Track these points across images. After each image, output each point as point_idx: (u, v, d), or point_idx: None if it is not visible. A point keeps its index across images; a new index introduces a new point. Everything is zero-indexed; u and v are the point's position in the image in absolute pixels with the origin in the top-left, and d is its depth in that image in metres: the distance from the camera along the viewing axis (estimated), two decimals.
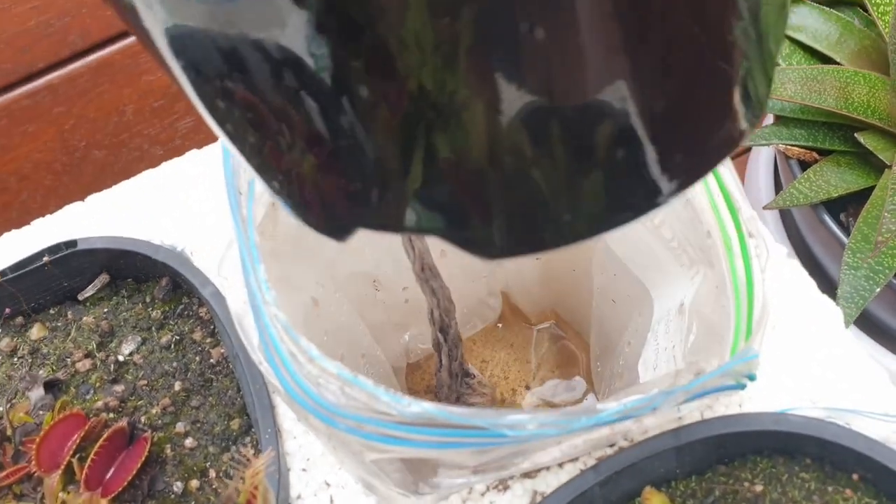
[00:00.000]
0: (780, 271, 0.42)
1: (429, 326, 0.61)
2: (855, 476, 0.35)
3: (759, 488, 0.37)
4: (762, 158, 0.72)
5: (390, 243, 0.54)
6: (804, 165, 0.63)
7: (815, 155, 0.64)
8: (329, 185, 0.20)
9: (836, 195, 0.61)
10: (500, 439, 0.33)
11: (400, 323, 0.60)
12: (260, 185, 0.43)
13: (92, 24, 0.72)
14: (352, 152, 0.19)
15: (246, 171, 0.38)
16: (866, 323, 0.62)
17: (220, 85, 0.20)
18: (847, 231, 0.61)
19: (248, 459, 0.33)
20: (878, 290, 0.56)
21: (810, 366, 0.39)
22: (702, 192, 0.42)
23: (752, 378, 0.35)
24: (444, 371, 0.45)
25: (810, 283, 0.41)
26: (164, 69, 0.20)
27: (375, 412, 0.32)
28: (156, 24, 0.19)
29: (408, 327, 0.61)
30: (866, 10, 0.64)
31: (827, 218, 0.62)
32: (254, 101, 0.19)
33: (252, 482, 0.32)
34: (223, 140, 0.21)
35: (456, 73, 0.17)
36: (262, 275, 0.34)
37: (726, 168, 0.40)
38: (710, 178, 0.41)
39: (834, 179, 0.62)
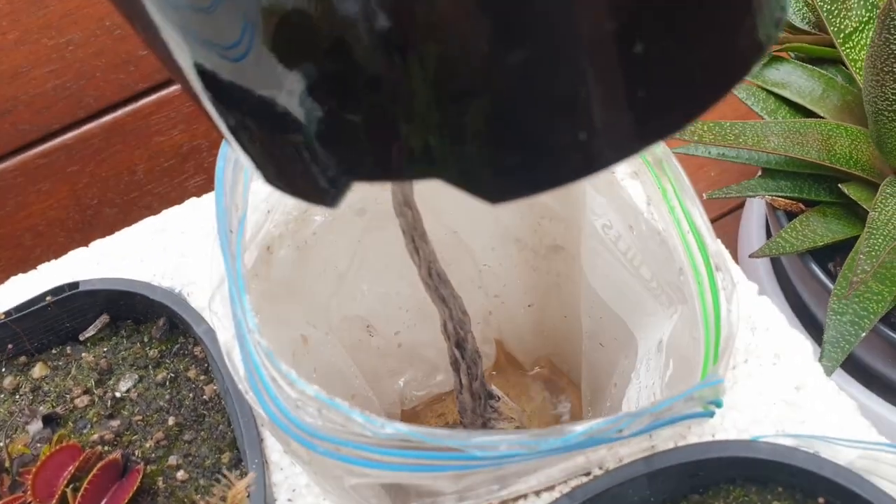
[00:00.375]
0: (751, 308, 0.43)
1: (423, 371, 0.63)
2: (821, 500, 0.36)
3: None
4: (754, 210, 0.74)
5: (382, 290, 0.56)
6: (791, 216, 0.65)
7: (801, 206, 0.65)
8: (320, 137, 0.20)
9: (822, 244, 0.62)
10: (472, 461, 0.34)
11: (394, 369, 0.61)
12: (251, 228, 0.45)
13: (106, 87, 0.75)
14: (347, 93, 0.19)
15: (237, 210, 0.41)
16: (854, 368, 0.63)
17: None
18: (834, 279, 0.63)
19: (230, 481, 0.34)
20: (864, 334, 0.57)
21: (782, 396, 0.40)
22: (674, 232, 0.43)
23: (718, 405, 0.36)
24: (465, 393, 0.43)
25: (781, 318, 0.42)
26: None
27: (352, 434, 0.33)
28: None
29: (402, 373, 0.62)
30: (848, 67, 0.67)
31: (814, 266, 0.63)
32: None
33: (234, 501, 0.33)
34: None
35: None
36: (246, 304, 0.36)
37: (696, 208, 0.42)
38: (681, 218, 0.43)
39: (820, 229, 0.63)
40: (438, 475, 0.35)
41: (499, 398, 0.46)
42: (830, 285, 0.62)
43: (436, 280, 0.40)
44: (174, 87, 0.77)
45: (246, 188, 0.42)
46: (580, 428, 0.34)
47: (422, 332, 0.60)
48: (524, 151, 0.19)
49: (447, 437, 0.33)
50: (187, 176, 0.83)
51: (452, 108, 0.18)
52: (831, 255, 0.65)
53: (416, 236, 0.38)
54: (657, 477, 0.38)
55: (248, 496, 0.35)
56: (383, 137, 0.19)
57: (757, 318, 0.42)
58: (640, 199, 0.46)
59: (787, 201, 0.65)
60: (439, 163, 0.19)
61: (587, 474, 0.39)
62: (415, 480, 0.36)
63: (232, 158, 0.42)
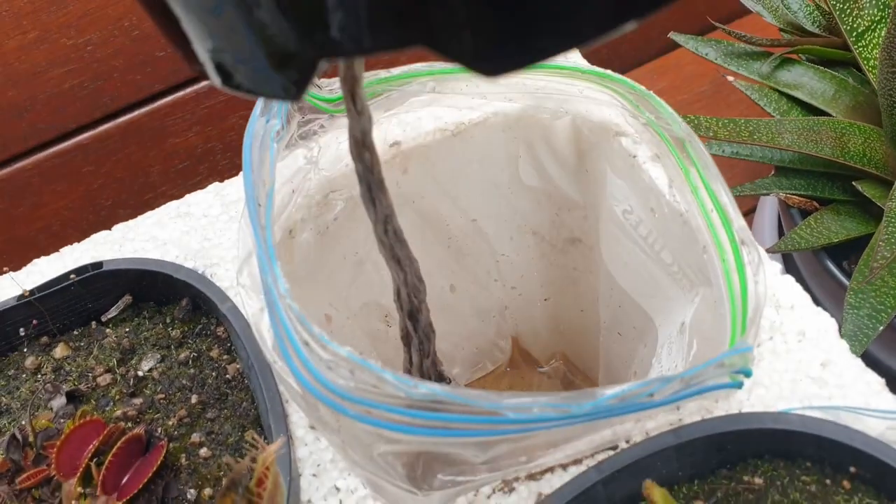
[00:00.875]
0: (775, 285, 0.43)
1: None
2: (852, 469, 0.36)
3: (760, 491, 0.37)
4: (767, 208, 0.74)
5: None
6: (805, 214, 0.65)
7: (815, 204, 0.66)
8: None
9: (836, 241, 0.62)
10: (503, 425, 0.34)
11: None
12: (276, 204, 0.45)
13: (123, 88, 0.76)
14: None
15: (265, 185, 0.41)
16: (868, 364, 0.63)
17: None
18: (849, 277, 0.63)
19: (260, 445, 0.34)
20: (882, 328, 0.57)
21: (808, 372, 0.40)
22: (697, 211, 0.44)
23: (747, 374, 0.36)
24: (414, 372, 0.41)
25: (805, 296, 0.42)
26: None
27: (384, 395, 0.33)
28: None
29: None
30: (860, 69, 0.67)
31: (829, 263, 0.64)
32: None
33: (264, 464, 0.33)
34: None
35: None
36: (277, 270, 0.36)
37: (720, 185, 0.42)
38: (704, 197, 0.43)
39: (834, 226, 0.64)
40: (468, 440, 0.35)
41: (450, 381, 0.43)
42: (846, 282, 0.62)
43: (391, 238, 0.37)
44: (191, 89, 0.78)
45: (272, 166, 0.42)
46: (611, 391, 0.34)
47: (436, 323, 0.60)
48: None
49: (479, 397, 0.33)
50: (201, 178, 0.83)
51: None
52: (846, 254, 0.65)
53: (373, 184, 0.35)
54: (685, 449, 0.38)
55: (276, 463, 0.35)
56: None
57: (781, 296, 0.43)
58: (662, 181, 0.46)
59: (801, 199, 0.65)
60: (430, 27, 0.17)
61: (614, 448, 0.39)
62: (444, 448, 0.36)
63: (259, 136, 0.42)
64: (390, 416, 0.34)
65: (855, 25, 0.63)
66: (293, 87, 0.19)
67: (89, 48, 0.73)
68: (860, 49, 0.63)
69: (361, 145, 0.34)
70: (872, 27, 0.63)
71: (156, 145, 0.80)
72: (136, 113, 0.78)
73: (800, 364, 0.40)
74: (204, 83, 0.78)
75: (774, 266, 0.44)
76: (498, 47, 0.17)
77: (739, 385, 0.37)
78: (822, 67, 0.68)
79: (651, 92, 0.45)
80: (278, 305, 0.36)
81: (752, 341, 0.36)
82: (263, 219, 0.39)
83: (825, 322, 0.42)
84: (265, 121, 0.43)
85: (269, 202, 0.40)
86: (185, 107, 0.79)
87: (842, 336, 0.58)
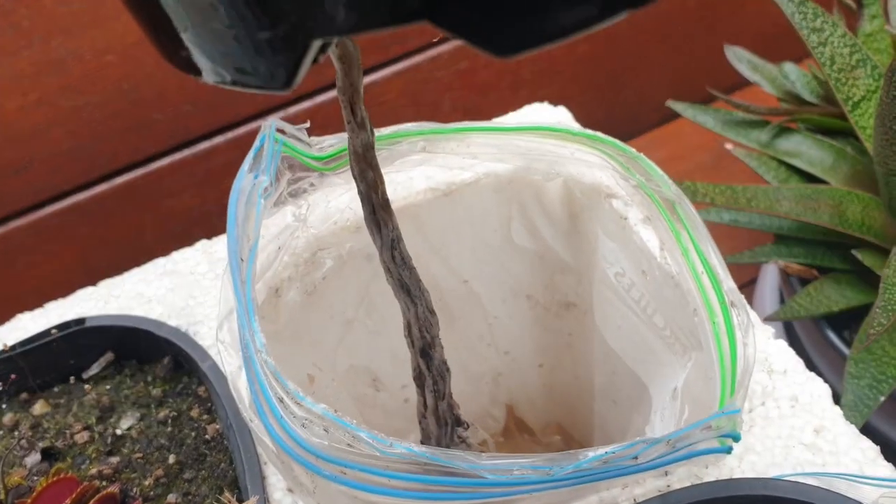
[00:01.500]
0: (768, 351, 0.42)
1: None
2: None
3: None
4: (768, 276, 0.73)
5: (389, 340, 0.55)
6: (804, 282, 0.65)
7: (815, 272, 0.65)
8: None
9: (836, 310, 0.61)
10: (483, 488, 0.33)
11: (399, 430, 0.60)
12: (260, 266, 0.45)
13: (120, 149, 0.76)
14: None
15: (249, 241, 0.40)
16: (865, 433, 0.61)
17: None
18: (850, 346, 0.62)
19: (231, 502, 0.33)
20: (882, 399, 0.56)
21: (801, 438, 0.39)
22: (688, 274, 0.43)
23: (736, 438, 0.35)
24: (429, 416, 0.39)
25: (798, 361, 0.41)
26: None
27: (359, 456, 0.32)
28: None
29: (408, 435, 0.60)
30: (857, 138, 0.67)
31: (829, 332, 0.63)
32: None
33: None
34: None
35: None
36: (255, 325, 0.35)
37: (710, 246, 0.41)
38: (695, 259, 0.43)
39: (834, 295, 0.63)
40: None
41: (468, 425, 0.40)
42: (846, 351, 0.61)
43: (400, 265, 0.34)
44: (188, 151, 0.78)
45: (258, 222, 0.42)
46: (595, 453, 0.32)
47: None
48: None
49: (458, 458, 0.32)
50: (196, 241, 0.83)
51: None
52: (846, 323, 0.64)
53: (377, 205, 0.32)
54: None
55: None
56: None
57: (773, 361, 0.42)
58: (654, 244, 0.45)
59: (800, 267, 0.65)
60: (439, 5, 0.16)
61: None
62: None
63: (246, 191, 0.42)
64: (366, 478, 0.33)
65: (851, 94, 0.63)
66: (283, 72, 0.18)
67: (88, 110, 0.73)
68: (857, 118, 0.63)
69: (363, 161, 0.32)
70: (868, 96, 0.63)
71: (152, 207, 0.80)
72: (132, 174, 0.78)
73: (793, 430, 0.39)
74: (201, 146, 0.78)
75: (767, 330, 0.43)
76: (506, 23, 0.16)
77: (728, 450, 0.36)
78: (820, 136, 0.68)
79: (641, 154, 0.45)
80: (254, 360, 0.35)
81: (741, 403, 0.35)
82: (245, 274, 0.39)
83: (818, 387, 0.40)
84: (253, 177, 0.42)
85: (251, 257, 0.40)
86: (181, 169, 0.79)
87: (842, 406, 0.56)
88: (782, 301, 0.72)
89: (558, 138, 0.46)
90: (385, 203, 0.33)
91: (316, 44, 0.17)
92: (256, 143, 0.43)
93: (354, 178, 0.32)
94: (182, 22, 0.18)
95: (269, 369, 0.34)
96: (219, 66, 0.19)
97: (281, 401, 0.34)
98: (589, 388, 0.57)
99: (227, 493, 0.36)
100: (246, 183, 0.42)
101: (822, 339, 0.63)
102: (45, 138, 0.73)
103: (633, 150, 0.45)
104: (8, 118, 0.71)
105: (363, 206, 0.33)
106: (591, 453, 0.32)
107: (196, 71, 0.20)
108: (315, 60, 0.18)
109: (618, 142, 0.45)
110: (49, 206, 0.77)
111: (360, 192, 0.32)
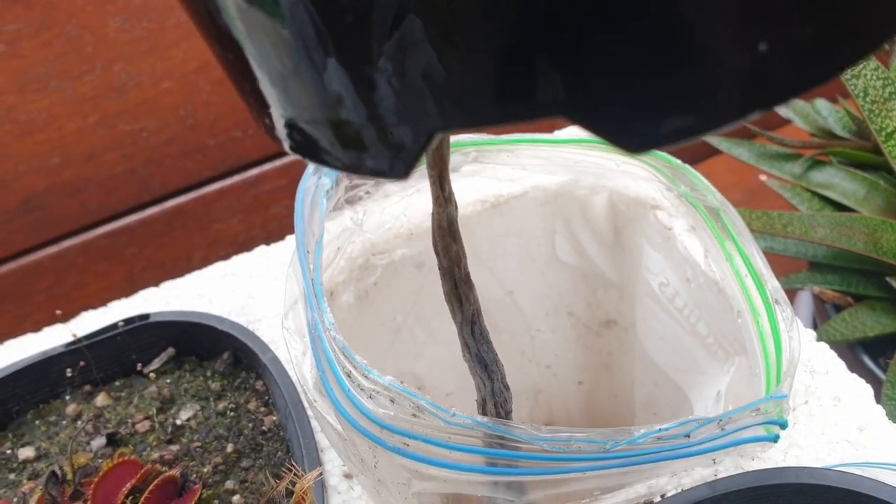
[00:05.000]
0: (810, 353, 0.43)
1: None
2: None
3: None
4: (802, 303, 0.74)
5: (436, 348, 0.57)
6: (839, 310, 0.66)
7: (850, 299, 0.66)
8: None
9: (872, 335, 0.62)
10: (541, 463, 0.34)
11: None
12: (325, 258, 0.47)
13: (173, 173, 0.79)
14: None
15: (314, 235, 0.42)
16: None
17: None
18: (885, 372, 0.63)
19: (297, 471, 0.34)
20: None
21: (845, 435, 0.40)
22: (732, 278, 0.44)
23: (783, 424, 0.36)
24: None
25: (840, 363, 0.43)
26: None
27: (422, 426, 0.34)
28: None
29: None
30: (890, 172, 0.69)
31: (865, 357, 0.63)
32: None
33: (301, 489, 0.33)
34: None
35: None
36: (324, 305, 0.37)
37: (754, 248, 0.43)
38: (739, 264, 0.44)
39: (869, 321, 0.64)
40: (505, 479, 0.35)
41: None
42: (882, 376, 0.61)
43: (479, 339, 0.34)
44: (238, 178, 0.81)
45: (321, 219, 0.44)
46: (648, 430, 0.34)
47: (467, 401, 0.60)
48: (687, 80, 0.16)
49: (516, 429, 0.33)
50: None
51: (606, 29, 0.16)
52: (882, 349, 0.65)
53: (459, 280, 0.32)
54: (720, 502, 0.37)
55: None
56: (507, 67, 0.16)
57: (815, 362, 0.43)
58: (698, 252, 0.47)
59: (835, 294, 0.66)
60: (573, 100, 0.16)
61: (650, 503, 0.39)
62: (480, 490, 0.36)
63: (310, 191, 0.44)
64: (428, 449, 0.34)
65: (884, 126, 0.65)
66: (402, 166, 0.17)
67: (144, 134, 0.76)
68: (890, 149, 0.65)
69: (448, 235, 0.31)
70: None
71: (200, 231, 0.83)
72: (183, 198, 0.81)
73: (836, 427, 0.40)
74: (251, 172, 0.81)
75: (809, 334, 0.44)
76: (633, 124, 0.17)
77: (775, 438, 0.37)
78: (852, 169, 0.70)
79: (686, 165, 0.47)
80: (322, 339, 0.37)
81: (787, 391, 0.36)
82: (312, 264, 0.41)
83: (861, 387, 0.42)
84: (317, 178, 0.45)
85: (318, 249, 0.42)
86: (231, 194, 0.82)
87: None
88: (816, 328, 0.73)
89: (605, 150, 0.48)
90: (467, 277, 0.32)
91: (437, 137, 0.17)
92: None
93: (437, 252, 0.31)
94: (294, 111, 0.19)
95: (337, 345, 0.36)
96: (327, 155, 0.19)
97: (349, 375, 0.35)
98: (629, 405, 0.59)
99: (291, 461, 0.38)
100: (310, 184, 0.44)
101: (857, 365, 0.64)
102: (101, 161, 0.76)
103: (678, 161, 0.47)
104: (67, 140, 0.74)
105: (444, 281, 0.32)
106: (644, 429, 0.34)
107: (296, 152, 0.20)
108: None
109: (664, 153, 0.47)
110: (100, 226, 0.79)
111: (441, 267, 0.32)
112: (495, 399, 0.37)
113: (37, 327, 0.54)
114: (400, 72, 0.16)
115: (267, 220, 0.84)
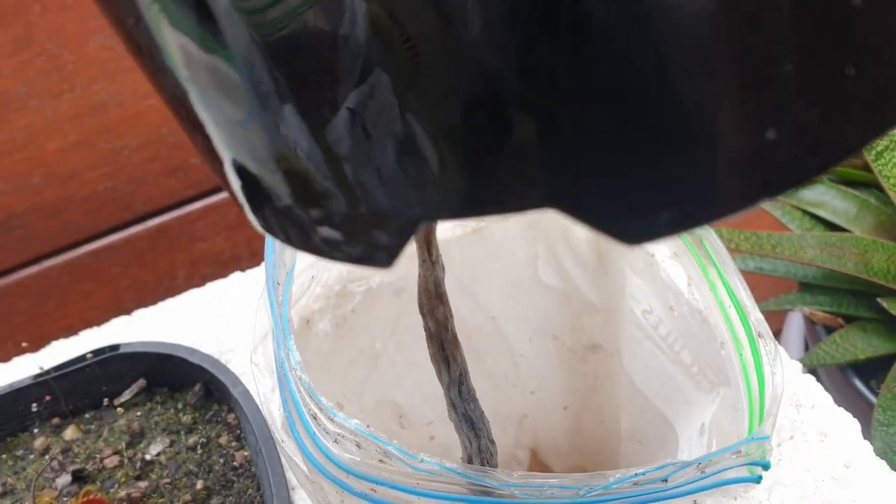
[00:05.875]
0: (796, 385, 0.42)
1: None
2: None
3: None
4: (794, 324, 0.73)
5: (417, 375, 0.56)
6: (830, 330, 0.65)
7: (841, 320, 0.65)
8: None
9: (863, 357, 0.61)
10: None
11: None
12: (295, 290, 0.46)
13: (156, 192, 0.78)
14: None
15: (285, 266, 0.41)
16: None
17: None
18: (877, 395, 0.61)
19: None
20: None
21: (830, 474, 0.39)
22: (715, 308, 0.43)
23: (765, 466, 0.35)
24: None
25: (826, 397, 0.41)
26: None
27: (389, 472, 0.33)
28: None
29: None
30: (881, 189, 0.68)
31: (856, 380, 0.62)
32: None
33: None
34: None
35: None
36: (290, 343, 0.36)
37: (737, 280, 0.42)
38: (722, 294, 0.43)
39: (860, 343, 0.63)
40: None
41: None
42: (873, 399, 0.60)
43: (466, 399, 0.33)
44: (221, 196, 0.80)
45: (293, 251, 0.43)
46: (624, 475, 0.33)
47: (452, 429, 0.59)
48: (688, 170, 0.15)
49: (487, 475, 0.32)
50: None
51: (599, 122, 0.14)
52: (873, 372, 0.64)
53: (446, 342, 0.31)
54: None
55: None
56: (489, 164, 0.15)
57: (801, 395, 0.42)
58: (681, 279, 0.46)
59: (826, 315, 0.65)
60: (563, 193, 0.16)
61: None
62: None
63: None
64: (396, 495, 0.33)
65: (874, 144, 0.63)
66: (385, 255, 0.16)
67: (126, 153, 0.75)
68: (880, 167, 0.64)
69: (434, 297, 0.31)
70: (891, 146, 0.64)
71: (183, 249, 0.82)
72: (166, 217, 0.80)
73: (822, 464, 0.39)
74: None
75: (795, 366, 0.43)
76: (628, 216, 0.16)
77: (758, 479, 0.36)
78: (843, 187, 0.69)
79: None
80: (289, 378, 0.35)
81: (770, 431, 0.35)
82: (281, 296, 0.40)
83: (848, 422, 0.40)
84: None
85: (287, 281, 0.41)
86: (215, 213, 0.81)
87: None
88: (807, 349, 0.72)
89: None
90: (454, 338, 0.31)
91: (424, 224, 0.16)
92: None
93: (423, 314, 0.30)
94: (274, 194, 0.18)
95: (303, 386, 0.35)
96: (310, 242, 0.18)
97: (314, 417, 0.34)
98: (615, 431, 0.57)
99: (259, 502, 0.36)
100: None
101: (848, 387, 0.62)
102: (83, 180, 0.75)
103: None
104: (48, 159, 0.73)
105: (430, 343, 0.31)
106: (619, 474, 0.33)
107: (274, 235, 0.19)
108: None
109: None
110: (83, 246, 0.78)
111: (427, 329, 0.31)
112: (482, 456, 0.36)
113: (18, 348, 0.53)
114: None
115: (251, 238, 0.83)
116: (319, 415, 0.34)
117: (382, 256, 0.16)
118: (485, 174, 0.15)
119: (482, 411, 0.34)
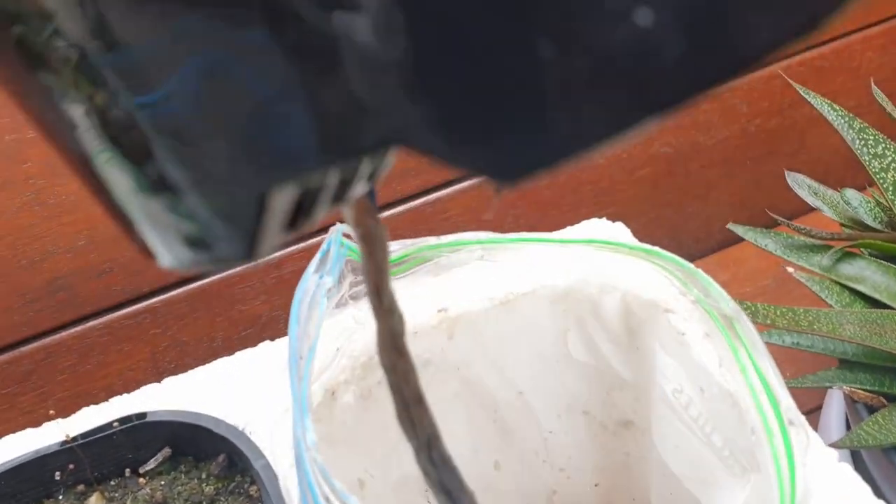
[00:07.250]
0: (831, 475, 0.41)
1: None
2: None
3: None
4: (835, 401, 0.71)
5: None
6: (872, 410, 0.63)
7: (883, 400, 0.63)
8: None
9: None
10: None
11: None
12: (318, 366, 0.46)
13: None
14: None
15: (308, 339, 0.41)
16: None
17: None
18: None
19: None
20: None
21: None
22: (746, 391, 0.42)
23: None
24: None
25: (864, 487, 0.40)
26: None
27: None
28: None
29: None
30: None
31: None
32: None
33: None
34: None
35: None
36: (308, 423, 0.36)
37: (768, 364, 0.41)
38: (753, 377, 0.42)
39: None
40: None
41: None
42: None
43: (439, 466, 0.29)
44: (261, 259, 0.81)
45: (320, 321, 0.43)
46: None
47: (486, 494, 0.58)
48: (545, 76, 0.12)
49: None
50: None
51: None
52: None
53: (410, 400, 0.28)
54: None
55: None
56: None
57: (837, 486, 0.40)
58: (712, 360, 0.45)
59: (867, 394, 0.63)
60: (422, 126, 0.13)
61: None
62: None
63: (310, 291, 0.43)
64: None
65: None
66: (241, 244, 0.15)
67: None
68: None
69: (392, 350, 0.28)
70: None
71: (223, 311, 0.83)
72: (207, 280, 0.81)
73: None
74: (274, 254, 0.81)
75: (831, 454, 0.42)
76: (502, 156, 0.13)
77: None
78: (885, 262, 0.67)
79: (698, 269, 0.45)
80: (304, 458, 0.35)
81: None
82: (302, 371, 0.40)
83: None
84: (318, 277, 0.44)
85: (310, 355, 0.41)
86: (255, 275, 0.82)
87: None
88: (849, 428, 0.69)
89: (615, 251, 0.47)
90: (418, 398, 0.28)
91: (279, 202, 0.15)
92: (323, 247, 0.45)
93: (385, 369, 0.28)
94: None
95: (317, 467, 0.34)
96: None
97: (327, 500, 0.34)
98: None
99: None
100: (311, 284, 0.44)
101: (892, 470, 0.60)
102: (127, 243, 0.77)
103: (691, 265, 0.45)
104: (94, 222, 0.75)
105: (393, 399, 0.28)
106: None
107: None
108: (293, 226, 0.16)
109: (675, 257, 0.46)
110: (125, 307, 0.80)
111: (389, 384, 0.28)
112: None
113: (59, 406, 0.54)
114: None
115: (289, 301, 0.83)
116: (332, 497, 0.34)
117: (241, 249, 0.16)
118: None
119: (461, 480, 0.30)
